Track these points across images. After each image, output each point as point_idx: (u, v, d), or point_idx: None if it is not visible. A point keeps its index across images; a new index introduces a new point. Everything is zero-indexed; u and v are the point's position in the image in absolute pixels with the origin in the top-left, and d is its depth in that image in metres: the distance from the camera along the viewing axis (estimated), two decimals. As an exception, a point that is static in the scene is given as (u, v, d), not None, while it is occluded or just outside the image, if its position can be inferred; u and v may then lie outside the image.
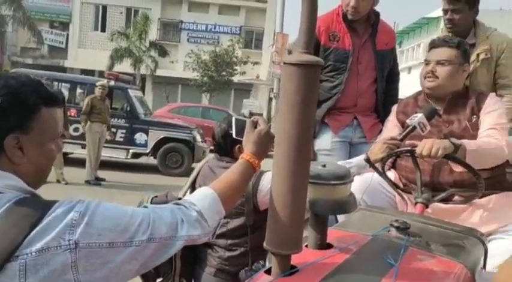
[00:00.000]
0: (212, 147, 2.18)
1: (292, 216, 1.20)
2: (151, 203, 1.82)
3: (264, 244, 1.17)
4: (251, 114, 21.44)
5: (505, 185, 2.04)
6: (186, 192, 2.15)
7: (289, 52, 7.44)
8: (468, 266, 1.42)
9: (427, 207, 1.86)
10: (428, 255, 1.42)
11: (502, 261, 1.73)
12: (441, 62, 2.04)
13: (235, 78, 22.63)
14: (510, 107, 2.45)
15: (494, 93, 2.20)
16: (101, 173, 7.58)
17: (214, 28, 25.57)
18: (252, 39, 26.22)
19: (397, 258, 1.34)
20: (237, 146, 1.95)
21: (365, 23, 2.51)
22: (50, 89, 1.04)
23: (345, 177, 1.43)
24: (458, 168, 1.87)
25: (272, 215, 1.19)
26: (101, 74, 14.65)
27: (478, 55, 2.49)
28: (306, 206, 1.26)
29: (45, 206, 0.91)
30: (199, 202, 1.13)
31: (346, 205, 1.38)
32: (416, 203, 1.87)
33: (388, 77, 2.60)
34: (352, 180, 1.43)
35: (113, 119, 8.36)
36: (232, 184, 1.24)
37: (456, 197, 1.96)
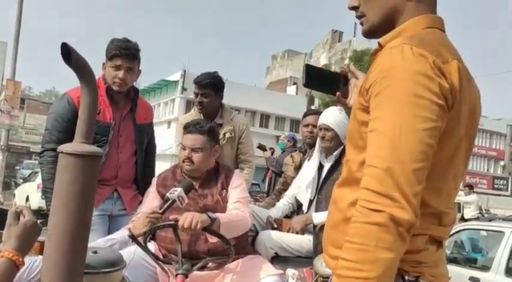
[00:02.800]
0: None
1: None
2: None
3: None
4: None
5: (248, 249, 2.39)
6: None
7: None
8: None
9: (186, 277, 1.98)
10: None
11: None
12: (195, 149, 2.29)
13: None
14: (248, 179, 2.92)
15: (238, 170, 2.59)
16: None
17: None
18: (-26, 83, 22.73)
19: None
20: None
21: (125, 97, 2.57)
22: None
23: (117, 263, 1.42)
24: (212, 239, 2.09)
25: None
26: None
27: (224, 134, 2.90)
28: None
29: None
30: None
31: (119, 292, 1.37)
32: (177, 275, 1.97)
33: (147, 149, 2.70)
34: (125, 265, 1.43)
35: None
36: None
37: (211, 264, 2.16)
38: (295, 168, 3.15)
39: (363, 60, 24.87)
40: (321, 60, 40.20)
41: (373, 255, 0.87)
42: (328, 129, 2.65)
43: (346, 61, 29.08)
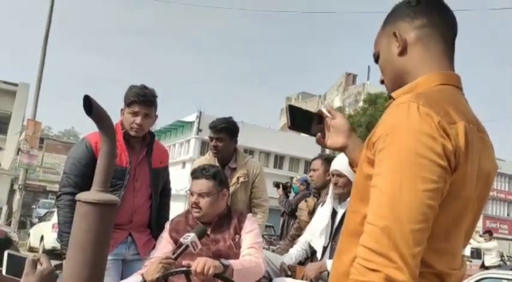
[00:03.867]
0: None
1: None
2: None
3: None
4: None
5: (262, 296, 2.34)
6: None
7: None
8: None
9: (198, 325, 1.95)
10: None
11: None
12: (202, 195, 2.31)
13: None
14: (261, 223, 2.91)
15: (251, 214, 2.58)
16: None
17: None
18: (-4, 122, 23.38)
19: None
20: None
21: (142, 141, 2.63)
22: None
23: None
24: (225, 286, 2.06)
25: None
26: None
27: (238, 178, 2.93)
28: None
29: None
30: None
31: None
32: (189, 322, 1.94)
33: (162, 192, 2.73)
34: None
35: None
36: None
37: (222, 312, 2.12)
38: (309, 213, 3.13)
39: (377, 103, 25.04)
40: (335, 102, 40.54)
41: None
42: (340, 175, 2.65)
43: (360, 104, 29.30)
